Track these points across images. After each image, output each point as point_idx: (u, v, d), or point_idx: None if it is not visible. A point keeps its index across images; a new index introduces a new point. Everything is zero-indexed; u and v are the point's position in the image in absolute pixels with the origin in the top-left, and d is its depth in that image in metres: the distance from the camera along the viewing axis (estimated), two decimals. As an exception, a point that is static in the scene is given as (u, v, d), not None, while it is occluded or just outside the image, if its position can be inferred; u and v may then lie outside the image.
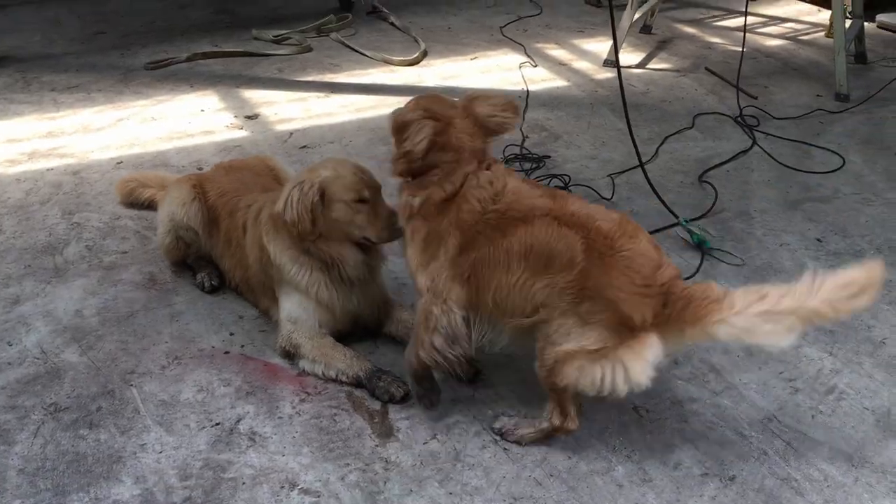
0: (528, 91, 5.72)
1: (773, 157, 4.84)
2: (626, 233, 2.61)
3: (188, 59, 6.26)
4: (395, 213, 3.00)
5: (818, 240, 4.07)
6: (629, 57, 6.42)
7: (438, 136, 2.78)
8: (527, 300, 2.67)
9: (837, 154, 4.91)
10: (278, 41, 6.68)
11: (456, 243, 2.77)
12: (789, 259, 3.90)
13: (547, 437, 2.83)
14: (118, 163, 4.77)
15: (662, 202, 4.16)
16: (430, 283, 2.81)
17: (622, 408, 3.01)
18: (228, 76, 6.02)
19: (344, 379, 3.10)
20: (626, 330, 2.52)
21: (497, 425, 2.89)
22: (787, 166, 4.75)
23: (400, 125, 2.89)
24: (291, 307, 3.19)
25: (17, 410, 2.99)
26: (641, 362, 2.52)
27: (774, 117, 5.39)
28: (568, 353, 2.58)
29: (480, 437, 2.90)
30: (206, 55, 6.34)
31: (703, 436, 2.90)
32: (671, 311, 2.51)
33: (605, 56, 6.38)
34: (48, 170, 4.67)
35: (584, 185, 4.51)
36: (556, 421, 2.76)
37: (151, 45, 6.64)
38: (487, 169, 2.81)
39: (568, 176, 4.54)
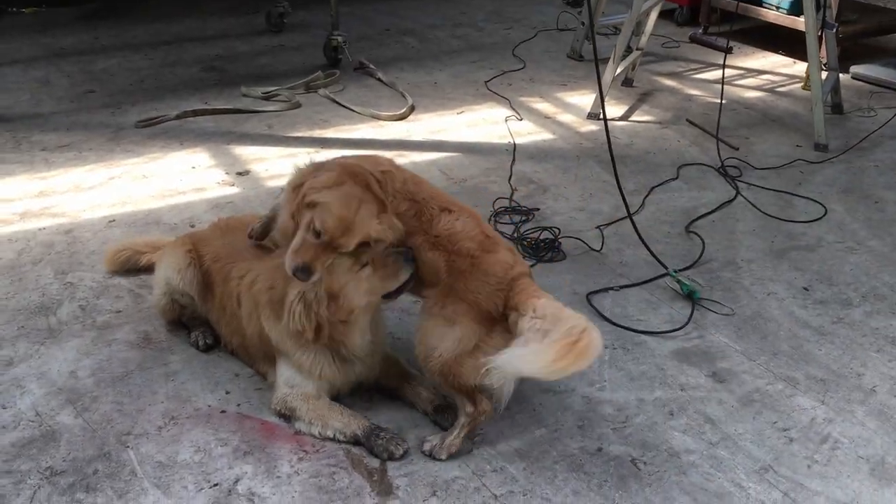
0: (514, 144, 5.82)
1: (756, 207, 4.93)
2: (484, 249, 2.95)
3: (178, 117, 6.31)
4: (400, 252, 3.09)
5: (805, 289, 4.14)
6: (613, 109, 6.55)
7: None
8: None
9: (819, 203, 5.01)
10: (267, 98, 6.77)
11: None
12: (777, 308, 3.97)
13: (471, 430, 3.04)
14: (110, 221, 4.79)
15: (652, 253, 4.23)
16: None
17: (620, 461, 3.03)
18: (219, 133, 6.08)
19: (341, 438, 3.10)
20: (489, 323, 2.89)
21: (426, 448, 3.05)
22: (771, 216, 4.85)
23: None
24: (290, 375, 3.19)
25: (13, 475, 2.97)
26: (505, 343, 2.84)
27: (756, 167, 5.50)
28: (451, 355, 2.90)
29: (480, 493, 2.90)
30: (196, 112, 6.39)
31: (701, 488, 2.92)
32: (510, 299, 2.89)
33: (588, 109, 6.50)
34: (40, 229, 4.69)
35: (573, 236, 4.57)
36: (469, 409, 2.98)
37: (141, 102, 6.70)
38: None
39: (558, 228, 4.60)
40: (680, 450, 3.09)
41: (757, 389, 3.41)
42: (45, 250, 4.47)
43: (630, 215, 4.39)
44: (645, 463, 3.03)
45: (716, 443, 3.12)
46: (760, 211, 4.90)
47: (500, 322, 2.91)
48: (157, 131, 6.11)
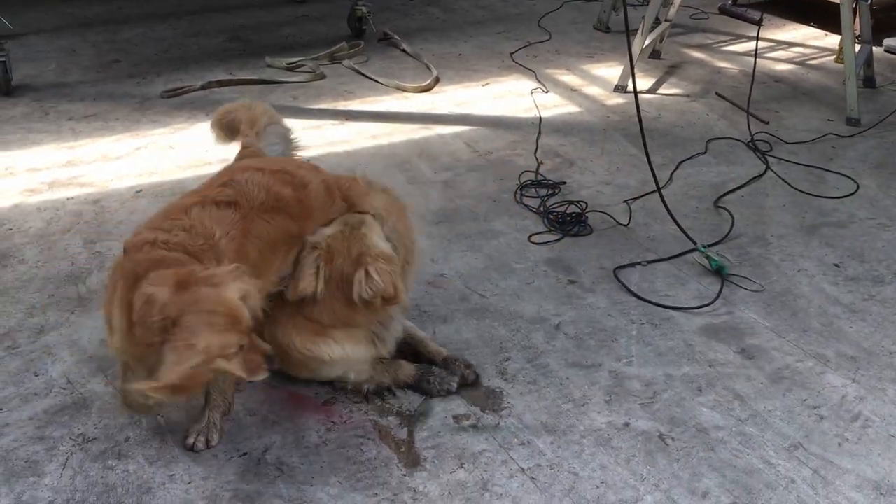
0: (540, 117, 5.77)
1: (787, 182, 4.86)
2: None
3: (203, 88, 6.31)
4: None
5: (836, 265, 4.09)
6: (640, 82, 6.43)
7: None
8: None
9: (851, 179, 4.94)
10: (292, 68, 6.74)
11: None
12: (807, 285, 3.92)
13: None
14: (137, 191, 4.81)
15: (681, 228, 4.19)
16: None
17: (648, 436, 3.02)
18: (243, 104, 6.06)
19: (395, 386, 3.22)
20: None
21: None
22: (802, 191, 4.78)
23: None
24: None
25: (46, 441, 3.00)
26: None
27: (786, 142, 5.42)
28: None
29: (507, 465, 2.91)
30: (221, 83, 6.39)
31: (729, 464, 2.90)
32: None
33: (615, 81, 6.43)
34: (68, 199, 4.71)
35: (600, 211, 4.53)
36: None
37: (166, 73, 6.70)
38: None
39: (585, 202, 4.57)
40: (708, 426, 3.07)
41: (787, 366, 3.38)
42: (74, 220, 4.49)
43: (659, 189, 4.34)
44: (673, 439, 3.01)
45: (745, 419, 3.10)
46: (791, 186, 4.83)
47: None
48: (183, 102, 6.11)
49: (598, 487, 2.81)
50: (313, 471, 2.88)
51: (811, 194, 4.76)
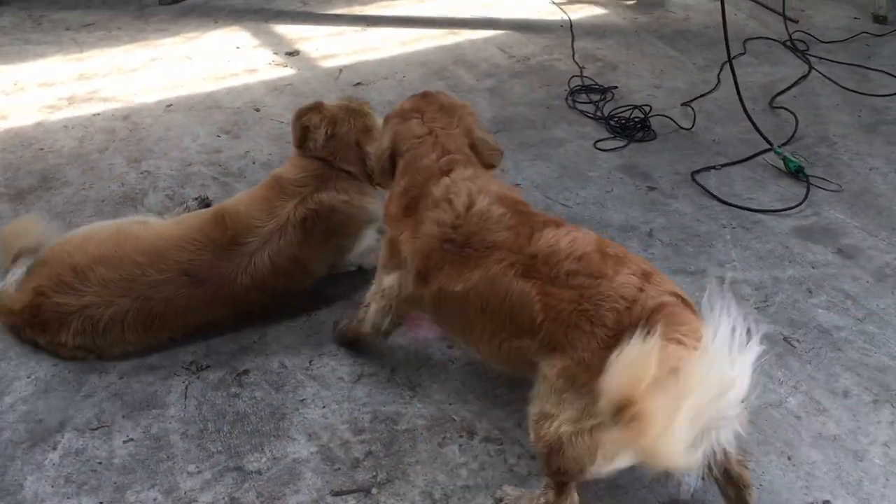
0: (570, 21, 5.57)
1: (834, 82, 4.81)
2: (593, 272, 2.16)
3: (203, -7, 5.90)
4: None
5: (904, 163, 4.09)
6: (659, -18, 6.28)
7: (399, 126, 2.65)
8: (501, 356, 2.34)
9: (894, 76, 4.91)
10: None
11: (416, 267, 2.47)
12: (883, 183, 3.92)
13: None
14: (168, 106, 4.50)
15: (757, 130, 4.11)
16: (387, 287, 2.61)
17: (773, 339, 3.00)
18: (252, 10, 5.71)
19: None
20: None
21: (497, 494, 2.42)
22: (851, 90, 4.74)
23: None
24: None
25: (156, 371, 2.83)
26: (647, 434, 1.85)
27: (821, 41, 5.35)
28: (569, 428, 2.11)
29: (643, 375, 2.86)
30: (220, -12, 5.98)
31: (861, 363, 2.91)
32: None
33: (634, -19, 6.24)
34: (94, 115, 4.38)
35: (661, 114, 4.42)
36: (552, 499, 2.28)
37: (157, -22, 6.24)
38: (448, 174, 2.47)
39: (648, 106, 4.45)
40: (829, 326, 3.06)
41: (887, 264, 3.38)
42: (108, 137, 4.19)
43: (745, 108, 4.24)
44: (798, 341, 3.00)
45: (862, 318, 3.10)
46: (838, 85, 4.78)
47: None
48: (185, 9, 5.72)
49: (739, 392, 2.78)
50: (447, 389, 2.79)
51: (860, 93, 4.72)
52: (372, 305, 2.69)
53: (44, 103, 4.48)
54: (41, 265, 2.83)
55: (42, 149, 4.06)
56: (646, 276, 2.15)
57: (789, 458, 2.55)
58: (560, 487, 2.27)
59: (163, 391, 2.75)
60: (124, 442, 2.57)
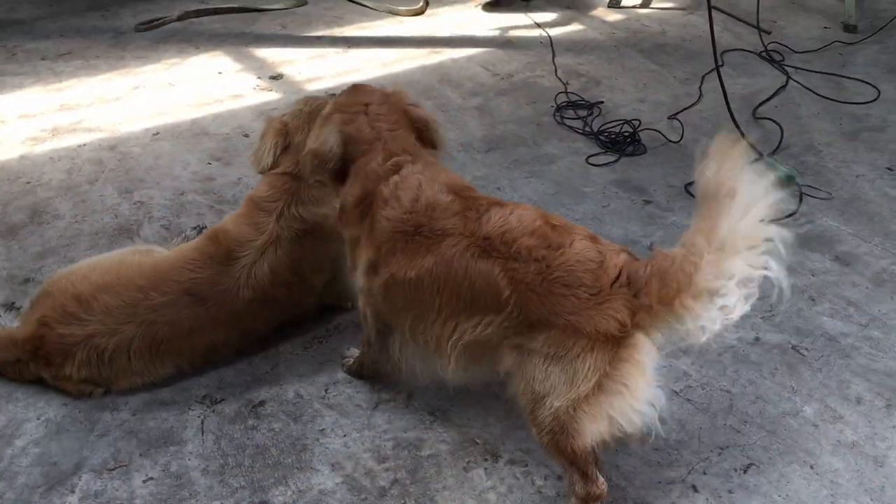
0: (550, 37, 5.62)
1: (812, 91, 4.91)
2: (551, 244, 2.25)
3: (180, 18, 5.84)
4: None
5: (889, 168, 4.17)
6: (631, -3, 6.37)
7: (346, 126, 2.58)
8: (451, 342, 2.38)
9: (869, 84, 5.02)
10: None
11: (366, 258, 2.53)
12: (871, 189, 4.00)
13: None
14: (154, 134, 4.44)
15: (747, 141, 4.15)
16: (362, 285, 2.61)
17: (781, 348, 3.04)
18: (232, 35, 5.67)
19: None
20: (609, 345, 2.16)
21: None
22: (830, 99, 4.84)
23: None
24: None
25: (170, 407, 2.78)
26: (643, 374, 2.17)
27: (795, 51, 5.46)
28: (562, 401, 2.20)
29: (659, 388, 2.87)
30: (198, 13, 5.93)
31: (869, 368, 2.96)
32: (649, 298, 2.14)
33: (608, -3, 6.32)
34: (80, 146, 4.31)
35: (649, 128, 4.47)
36: (581, 490, 2.33)
37: (130, 4, 6.18)
38: (396, 171, 2.51)
39: (637, 120, 4.50)
40: (835, 334, 3.11)
41: (884, 270, 3.45)
42: (96, 168, 4.13)
43: (732, 115, 4.30)
44: (807, 349, 3.04)
45: (866, 324, 3.16)
46: (817, 94, 4.88)
47: (622, 341, 2.16)
48: (162, 35, 5.66)
49: (755, 403, 2.81)
50: (467, 412, 2.78)
51: (839, 101, 4.82)
52: (366, 311, 2.67)
53: (27, 135, 4.40)
54: (44, 297, 2.78)
55: (29, 182, 3.99)
56: (594, 240, 2.29)
57: (812, 467, 2.58)
58: (583, 473, 2.30)
59: (178, 427, 2.71)
60: (144, 481, 2.52)
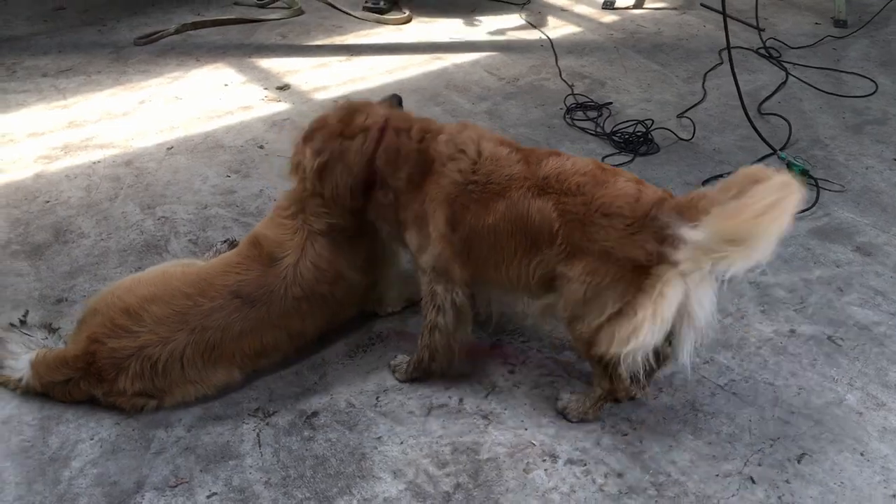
0: (550, 40, 5.67)
1: (812, 86, 5.01)
2: (597, 181, 2.50)
3: (178, 31, 5.83)
4: None
5: (895, 160, 4.27)
6: (624, -2, 6.45)
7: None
8: (529, 278, 2.60)
9: (866, 77, 5.14)
10: (263, 5, 6.32)
11: (443, 219, 2.67)
12: (881, 180, 4.09)
13: (604, 404, 2.74)
14: (168, 148, 4.42)
15: (761, 137, 4.26)
16: (433, 262, 2.73)
17: (817, 340, 3.11)
18: (232, 46, 5.66)
19: None
20: (637, 275, 2.37)
21: (559, 405, 2.78)
22: (831, 93, 4.94)
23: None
24: None
25: (223, 421, 2.78)
26: (663, 302, 2.29)
27: (791, 47, 5.57)
28: (596, 322, 2.46)
29: (703, 384, 2.93)
30: (196, 25, 5.92)
31: (905, 356, 3.03)
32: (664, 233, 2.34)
33: (602, -1, 6.40)
34: (95, 163, 4.29)
35: (661, 127, 4.54)
36: (605, 385, 2.66)
37: (125, 18, 6.14)
38: (438, 133, 2.72)
39: (651, 120, 4.56)
40: (867, 323, 3.19)
41: (904, 259, 3.54)
42: (114, 185, 4.10)
43: (747, 114, 4.37)
44: (842, 339, 3.11)
45: (894, 313, 3.24)
46: (817, 89, 4.98)
47: (650, 271, 2.34)
48: (162, 48, 5.64)
49: (798, 394, 2.88)
50: (519, 414, 2.81)
51: (839, 95, 4.92)
52: (437, 289, 2.75)
53: (38, 154, 4.36)
54: (92, 314, 2.77)
55: (48, 201, 3.95)
56: (638, 181, 2.53)
57: (862, 454, 2.64)
58: (609, 375, 2.62)
59: (235, 441, 2.71)
60: (208, 497, 2.52)
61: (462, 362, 3.00)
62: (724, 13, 4.29)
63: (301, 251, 2.89)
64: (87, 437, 2.72)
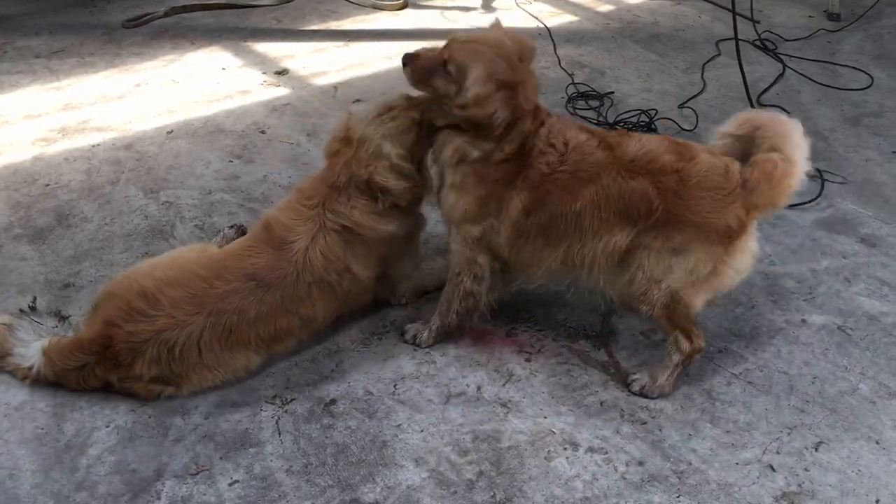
0: (548, 28, 5.66)
1: (809, 78, 5.05)
2: (684, 157, 2.71)
3: (167, 14, 5.71)
4: None
5: (894, 152, 4.32)
6: (619, -12, 6.45)
7: (511, 102, 2.69)
8: (608, 253, 2.76)
9: (862, 71, 5.18)
10: (256, -11, 6.23)
11: (521, 205, 2.78)
12: (882, 172, 4.14)
13: (683, 369, 2.86)
14: (169, 132, 4.36)
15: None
16: (482, 235, 2.84)
17: (828, 329, 3.14)
18: (227, 30, 5.59)
19: None
20: (727, 237, 2.67)
21: (635, 388, 2.86)
22: (828, 86, 4.98)
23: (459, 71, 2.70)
24: None
25: (241, 408, 2.76)
26: (750, 254, 2.75)
27: (786, 39, 5.60)
28: (680, 284, 2.72)
29: (719, 373, 2.95)
30: (185, 8, 5.81)
31: (913, 345, 3.08)
32: (756, 196, 2.66)
33: (597, -13, 6.39)
34: (94, 146, 4.22)
35: (664, 117, 4.55)
36: (685, 346, 2.81)
37: (115, -1, 6.04)
38: (542, 125, 2.79)
39: (655, 110, 4.57)
40: (875, 313, 3.23)
41: (908, 250, 3.59)
42: (115, 168, 4.04)
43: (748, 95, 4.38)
44: (851, 329, 3.15)
45: (901, 303, 3.29)
46: (814, 81, 5.02)
47: (741, 234, 2.68)
48: (157, 31, 5.55)
49: (812, 383, 2.91)
50: (538, 402, 2.81)
51: (836, 87, 4.97)
52: (479, 260, 2.88)
53: (36, 136, 4.28)
54: (108, 298, 2.72)
55: (48, 184, 3.89)
56: (711, 152, 2.75)
57: (877, 443, 2.68)
58: (688, 334, 2.80)
59: (254, 428, 2.68)
60: (230, 484, 2.50)
61: (477, 350, 3.00)
62: (733, 11, 4.29)
63: (311, 238, 2.87)
64: (103, 425, 2.68)
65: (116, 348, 2.67)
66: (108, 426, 2.68)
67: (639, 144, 2.75)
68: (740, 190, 2.65)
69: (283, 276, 2.81)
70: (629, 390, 2.86)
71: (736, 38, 4.31)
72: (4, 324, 2.85)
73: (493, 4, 6.15)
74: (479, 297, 2.94)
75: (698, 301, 2.77)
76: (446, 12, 6.01)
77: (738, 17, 5.73)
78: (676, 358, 2.82)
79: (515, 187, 2.77)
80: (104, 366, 2.69)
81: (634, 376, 2.88)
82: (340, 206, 2.90)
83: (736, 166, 2.69)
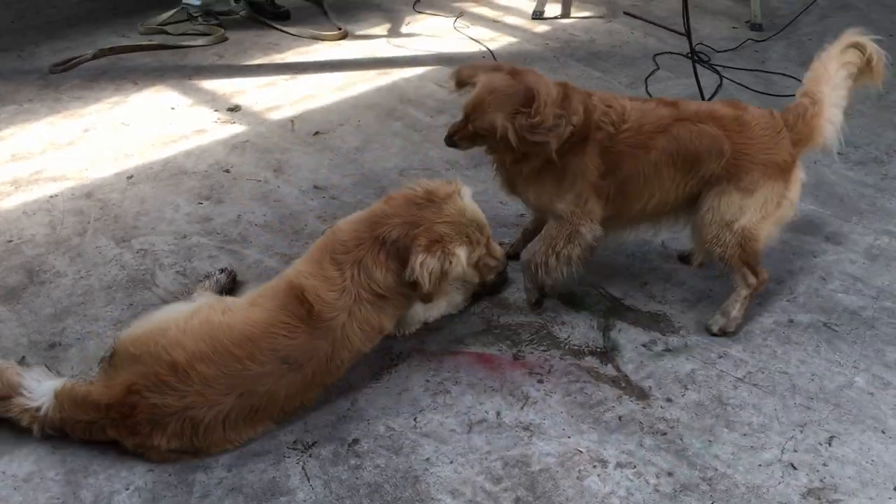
0: (491, 51, 5.75)
1: (746, 87, 5.28)
2: (739, 107, 3.15)
3: (95, 57, 5.54)
4: None
5: (839, 154, 4.53)
6: (551, 8, 6.60)
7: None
8: (679, 197, 3.15)
9: (792, 77, 5.44)
10: (164, 30, 6.04)
11: (596, 169, 3.09)
12: (832, 174, 4.35)
13: (750, 302, 3.25)
14: (129, 177, 4.23)
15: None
16: (573, 207, 3.14)
17: (815, 327, 3.28)
18: (169, 68, 5.46)
19: None
20: (784, 172, 3.10)
21: (715, 329, 3.23)
22: (765, 93, 5.22)
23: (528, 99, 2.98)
24: None
25: (263, 457, 2.69)
26: (799, 185, 3.20)
27: (717, 50, 5.84)
28: (751, 222, 3.09)
29: (723, 378, 3.04)
30: (114, 50, 5.66)
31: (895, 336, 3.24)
32: (795, 133, 3.13)
33: (531, 9, 6.53)
34: (52, 196, 4.05)
35: (620, 133, 4.67)
36: (752, 280, 3.20)
37: (43, 42, 5.83)
38: (590, 97, 3.12)
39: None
40: (854, 308, 3.39)
41: (871, 245, 3.77)
42: (80, 219, 3.90)
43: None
44: (836, 325, 3.30)
45: (876, 296, 3.45)
46: (752, 90, 5.25)
47: (793, 167, 3.12)
48: (93, 73, 5.40)
49: (812, 380, 3.03)
50: (558, 423, 2.84)
51: (773, 94, 5.20)
52: (580, 228, 3.15)
53: (-14, 190, 4.09)
54: (132, 361, 2.61)
55: (11, 240, 3.71)
56: (739, 105, 3.19)
57: (883, 432, 2.81)
58: (754, 269, 3.19)
59: (280, 476, 2.62)
60: (268, 537, 2.43)
61: (489, 376, 3.02)
62: (687, 28, 4.44)
63: (349, 314, 2.77)
64: (122, 488, 2.57)
65: (138, 418, 2.56)
66: (127, 489, 2.57)
67: (691, 103, 3.18)
68: (785, 129, 3.10)
69: (320, 357, 2.74)
70: (709, 333, 3.22)
71: (692, 52, 4.44)
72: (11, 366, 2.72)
73: (432, 32, 6.20)
74: (576, 261, 3.19)
75: (766, 236, 3.15)
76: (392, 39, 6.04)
77: (670, 32, 6.00)
78: (744, 292, 3.21)
79: (588, 154, 3.04)
80: (119, 430, 2.59)
81: (710, 321, 3.24)
82: (376, 268, 2.81)
83: (777, 111, 3.16)
